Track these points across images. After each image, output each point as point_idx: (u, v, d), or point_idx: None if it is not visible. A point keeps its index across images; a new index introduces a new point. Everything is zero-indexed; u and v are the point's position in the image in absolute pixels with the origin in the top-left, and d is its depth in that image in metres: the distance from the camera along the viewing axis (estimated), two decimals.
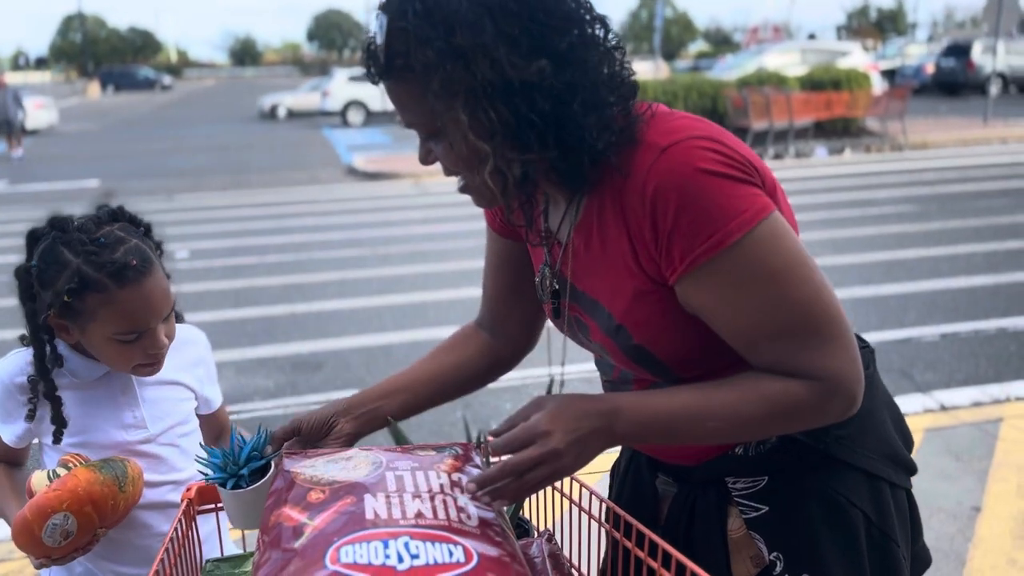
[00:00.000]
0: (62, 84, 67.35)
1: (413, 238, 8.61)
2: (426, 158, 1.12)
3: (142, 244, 1.36)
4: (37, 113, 22.79)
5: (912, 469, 1.24)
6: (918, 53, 32.09)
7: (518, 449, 1.01)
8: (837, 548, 1.15)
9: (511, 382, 4.60)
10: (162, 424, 1.47)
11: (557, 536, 1.23)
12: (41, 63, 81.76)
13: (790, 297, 1.03)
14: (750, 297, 1.03)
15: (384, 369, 4.89)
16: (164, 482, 1.46)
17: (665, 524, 1.26)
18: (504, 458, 1.01)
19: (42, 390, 1.38)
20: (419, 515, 0.95)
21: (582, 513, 1.21)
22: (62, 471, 1.29)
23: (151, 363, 1.40)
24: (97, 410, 1.41)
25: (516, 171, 1.05)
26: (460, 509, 0.98)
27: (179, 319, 1.50)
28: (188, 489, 1.24)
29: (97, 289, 1.28)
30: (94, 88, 54.37)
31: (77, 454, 1.35)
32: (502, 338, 1.42)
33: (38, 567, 1.32)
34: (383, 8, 1.03)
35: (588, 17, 1.05)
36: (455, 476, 1.05)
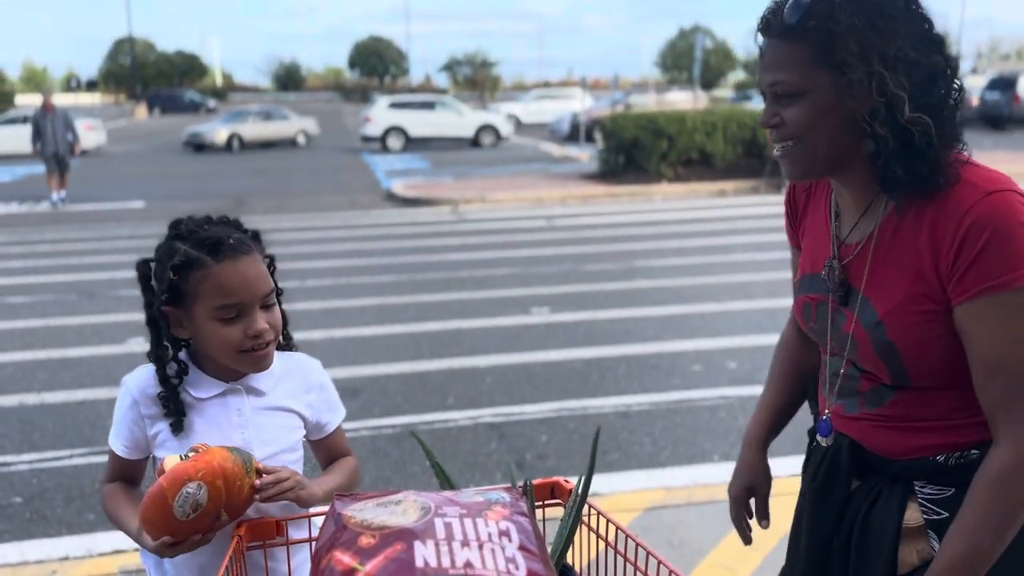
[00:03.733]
0: (111, 106, 69.11)
1: (450, 265, 8.67)
2: (769, 120, 1.31)
3: (244, 238, 1.48)
4: (87, 134, 23.57)
5: None
6: None
7: None
8: (1009, 555, 1.26)
9: (546, 414, 4.60)
10: (268, 449, 1.53)
11: None
12: (92, 85, 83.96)
13: None
14: (1008, 334, 1.21)
15: (421, 396, 4.91)
16: None
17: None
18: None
19: (164, 397, 1.47)
20: (468, 564, 0.96)
21: (627, 564, 1.20)
22: (193, 454, 1.34)
23: (256, 349, 1.47)
24: (210, 428, 1.49)
25: (839, 143, 1.27)
26: (508, 559, 0.99)
27: (290, 347, 1.62)
28: (239, 526, 1.27)
29: (197, 266, 1.41)
30: (141, 110, 55.71)
31: (203, 444, 1.39)
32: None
33: (151, 549, 1.32)
34: None
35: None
36: (503, 525, 1.06)
